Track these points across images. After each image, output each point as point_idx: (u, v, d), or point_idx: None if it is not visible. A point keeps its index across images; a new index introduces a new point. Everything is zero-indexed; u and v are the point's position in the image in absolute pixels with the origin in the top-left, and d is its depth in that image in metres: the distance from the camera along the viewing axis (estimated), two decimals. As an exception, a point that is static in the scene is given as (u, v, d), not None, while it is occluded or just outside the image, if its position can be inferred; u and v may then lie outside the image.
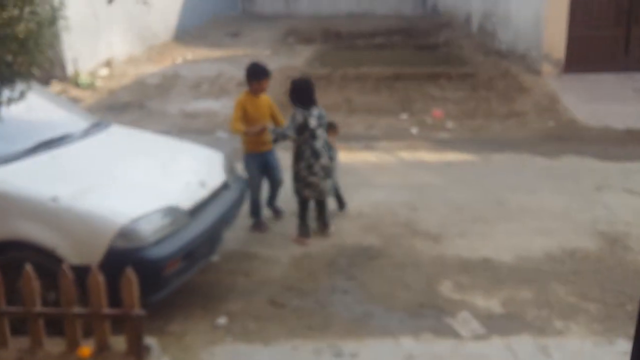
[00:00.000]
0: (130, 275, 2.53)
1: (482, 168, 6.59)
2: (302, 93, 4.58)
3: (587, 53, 9.56)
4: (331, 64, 11.33)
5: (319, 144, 4.49)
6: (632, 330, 3.33)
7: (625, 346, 3.27)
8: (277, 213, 5.11)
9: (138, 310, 2.57)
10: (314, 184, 4.53)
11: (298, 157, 4.52)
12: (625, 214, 5.12)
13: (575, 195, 5.62)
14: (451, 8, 16.34)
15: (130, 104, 9.43)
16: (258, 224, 4.85)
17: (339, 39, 14.88)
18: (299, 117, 4.47)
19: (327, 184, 4.59)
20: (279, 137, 4.57)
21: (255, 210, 4.86)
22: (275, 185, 5.01)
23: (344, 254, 4.46)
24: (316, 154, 4.48)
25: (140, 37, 12.69)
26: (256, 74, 4.74)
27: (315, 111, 4.56)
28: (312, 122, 4.48)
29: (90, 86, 9.99)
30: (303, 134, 4.44)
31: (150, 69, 11.43)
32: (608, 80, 9.33)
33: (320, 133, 4.55)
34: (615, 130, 7.85)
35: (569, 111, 8.48)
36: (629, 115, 8.23)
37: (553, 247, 4.54)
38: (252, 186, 4.74)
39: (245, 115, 4.69)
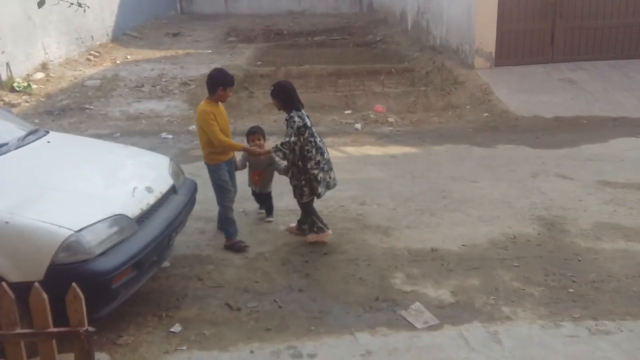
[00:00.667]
0: (77, 291, 2.42)
1: (425, 160, 6.77)
2: (293, 95, 4.46)
3: (516, 46, 9.99)
4: (273, 62, 11.31)
5: (318, 140, 4.46)
6: (576, 313, 3.55)
7: (570, 329, 3.45)
8: None
9: (87, 328, 2.46)
10: (325, 179, 4.50)
11: (305, 158, 4.41)
12: (560, 199, 5.40)
13: (512, 182, 5.87)
14: (386, 5, 16.63)
15: (69, 108, 9.06)
16: (237, 243, 4.52)
17: (280, 38, 14.86)
18: (298, 120, 4.38)
19: (333, 176, 4.58)
20: (288, 150, 4.41)
21: (231, 227, 4.55)
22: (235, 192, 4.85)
23: (297, 252, 4.47)
24: (320, 150, 4.45)
25: (77, 39, 12.21)
26: (223, 81, 4.34)
27: (303, 110, 4.52)
28: (308, 121, 4.45)
29: (26, 91, 9.52)
30: (304, 135, 4.36)
31: (89, 71, 11.02)
32: (536, 72, 9.79)
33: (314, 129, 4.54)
34: (545, 119, 8.26)
35: (502, 102, 8.84)
36: (556, 105, 8.67)
37: (496, 234, 4.73)
38: (226, 199, 4.49)
39: None
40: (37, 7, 4.01)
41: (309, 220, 4.60)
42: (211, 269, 4.23)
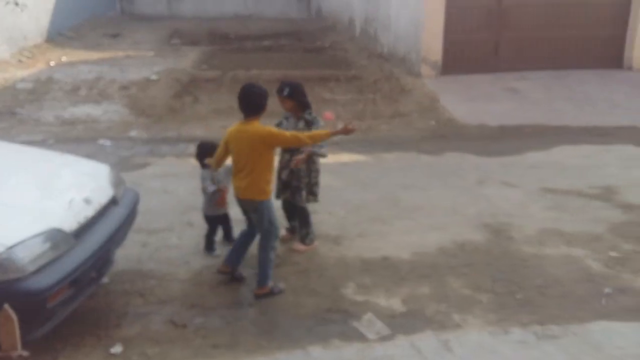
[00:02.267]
0: (9, 313, 2.22)
1: (375, 168, 6.77)
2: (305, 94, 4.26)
3: (462, 56, 10.22)
4: (220, 66, 11.09)
5: None
6: (523, 318, 3.59)
7: (519, 334, 3.49)
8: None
9: (20, 352, 2.27)
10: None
11: (314, 162, 4.34)
12: (507, 206, 5.51)
13: (460, 190, 5.95)
14: (335, 12, 16.71)
15: (-3, 112, 8.54)
16: (277, 288, 3.92)
17: (226, 41, 14.62)
18: (318, 119, 4.30)
19: None
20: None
21: (271, 270, 3.92)
22: None
23: (246, 264, 4.31)
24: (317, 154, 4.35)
25: (9, 39, 11.55)
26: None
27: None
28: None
29: (-51, 94, 8.91)
30: None
31: (21, 73, 10.43)
32: (482, 81, 10.04)
33: None
34: (490, 127, 8.45)
35: (448, 111, 9.00)
36: (501, 113, 8.91)
37: (445, 241, 4.76)
38: (275, 240, 3.93)
39: None
40: None
41: (306, 229, 4.48)
42: (154, 284, 4.03)
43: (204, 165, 4.38)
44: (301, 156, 4.14)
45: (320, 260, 4.40)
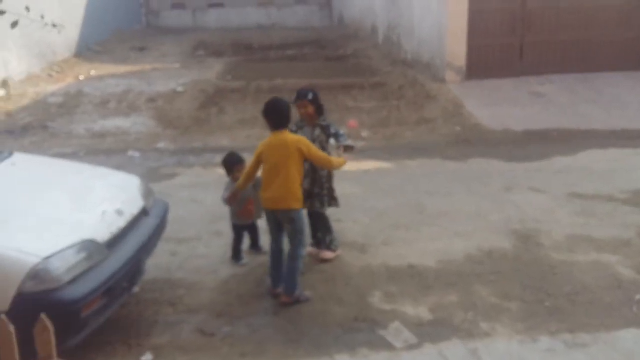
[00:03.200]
0: (45, 322, 2.30)
1: (399, 175, 6.77)
2: None
3: (486, 60, 10.15)
4: (244, 76, 11.24)
5: None
6: (552, 327, 3.55)
7: (548, 343, 3.45)
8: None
9: (56, 360, 2.35)
10: None
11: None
12: (534, 212, 5.45)
13: (486, 196, 5.91)
14: (357, 20, 16.77)
15: (31, 126, 8.81)
16: (304, 296, 3.97)
17: (251, 52, 14.81)
18: (334, 123, 4.42)
19: None
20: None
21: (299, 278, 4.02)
22: None
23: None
24: None
25: (39, 55, 11.92)
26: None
27: None
28: None
29: (-15, 110, 9.24)
30: None
31: (52, 88, 10.76)
32: (506, 85, 9.95)
33: None
34: (515, 132, 8.37)
35: (473, 116, 8.94)
36: (526, 118, 8.82)
37: (472, 248, 4.73)
38: (305, 249, 4.10)
39: None
40: (10, 27, 3.91)
41: (330, 236, 4.52)
42: (183, 293, 4.10)
43: (231, 177, 4.45)
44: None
45: (346, 269, 4.42)
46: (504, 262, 4.49)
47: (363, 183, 6.41)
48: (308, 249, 4.45)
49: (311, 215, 4.53)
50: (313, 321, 3.72)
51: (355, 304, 3.91)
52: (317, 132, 4.34)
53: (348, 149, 4.27)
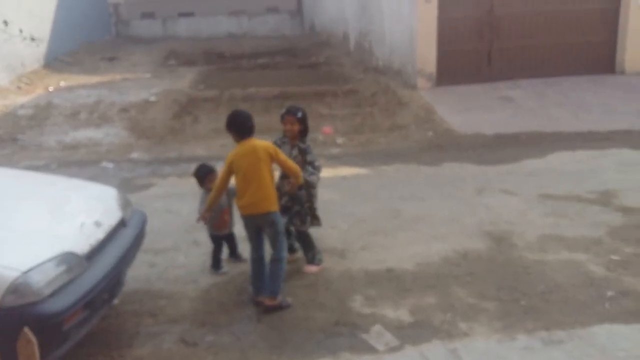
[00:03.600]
0: (29, 335, 2.28)
1: (375, 180, 6.85)
2: None
3: (456, 66, 10.37)
4: (217, 85, 11.22)
5: None
6: (529, 325, 3.66)
7: (525, 341, 3.55)
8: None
9: (39, 374, 2.33)
10: None
11: (313, 187, 4.47)
12: (506, 214, 5.58)
13: (459, 199, 6.03)
14: (329, 27, 16.91)
15: (0, 139, 8.62)
16: (285, 302, 3.99)
17: (222, 60, 14.79)
18: (312, 148, 4.48)
19: None
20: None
21: (282, 283, 4.04)
22: None
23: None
24: None
25: (7, 66, 11.70)
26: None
27: None
28: None
29: (-50, 122, 9.02)
30: None
31: (21, 99, 10.56)
32: (476, 91, 10.17)
33: None
34: (486, 136, 8.55)
35: (445, 121, 9.10)
36: (496, 122, 9.02)
37: (448, 251, 4.83)
38: (286, 250, 4.16)
39: None
40: None
41: (312, 252, 4.54)
42: (164, 303, 4.08)
43: (204, 188, 4.47)
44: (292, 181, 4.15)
45: (326, 274, 4.46)
46: (479, 264, 4.59)
47: (340, 189, 6.47)
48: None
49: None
50: (295, 327, 3.75)
51: (336, 309, 3.96)
52: (295, 152, 4.38)
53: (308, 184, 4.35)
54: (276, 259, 3.99)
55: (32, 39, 3.77)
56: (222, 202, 4.38)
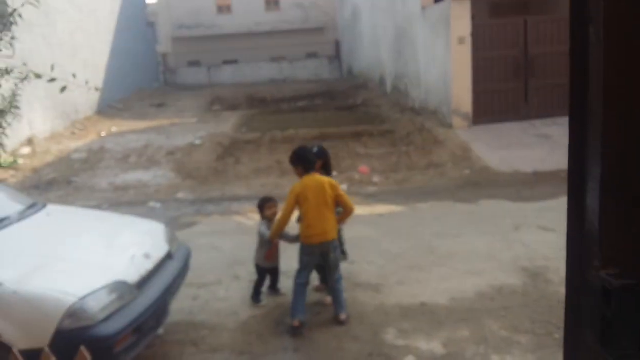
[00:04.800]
0: (84, 353, 2.52)
1: (410, 217, 6.97)
2: None
3: (492, 105, 10.51)
4: (259, 128, 11.68)
5: None
6: (562, 357, 3.65)
7: (556, 371, 3.56)
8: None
9: (94, 390, 2.55)
10: None
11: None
12: (543, 250, 5.59)
13: (496, 236, 6.07)
14: (365, 71, 17.37)
15: (55, 181, 9.22)
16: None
17: (264, 104, 15.39)
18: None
19: None
20: None
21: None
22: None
23: (290, 313, 4.55)
24: None
25: (63, 113, 12.55)
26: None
27: None
28: None
29: (13, 166, 9.71)
30: None
31: (75, 144, 11.27)
32: (513, 129, 10.24)
33: None
34: (524, 174, 8.57)
35: (482, 159, 9.19)
36: (534, 159, 9.03)
37: (483, 286, 4.87)
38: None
39: None
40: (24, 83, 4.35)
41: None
42: (206, 333, 4.29)
43: (262, 218, 4.76)
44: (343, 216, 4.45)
45: (361, 308, 4.58)
46: (513, 298, 4.61)
47: (376, 226, 6.62)
48: (315, 284, 4.75)
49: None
50: (330, 358, 3.87)
51: (370, 341, 4.06)
52: None
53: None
54: (339, 279, 4.38)
55: (97, 89, 4.22)
56: (285, 235, 4.61)
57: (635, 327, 1.01)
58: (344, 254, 4.78)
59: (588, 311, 1.07)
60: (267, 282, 4.90)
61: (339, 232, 4.69)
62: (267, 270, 4.80)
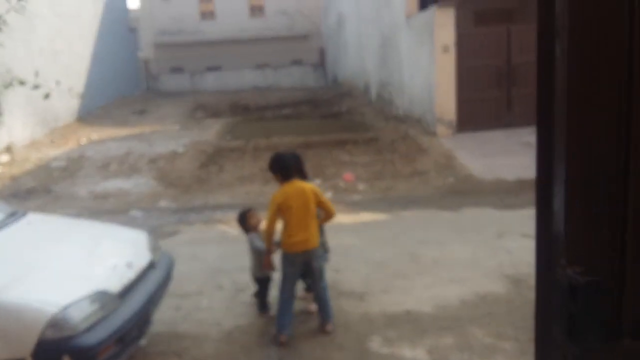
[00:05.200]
0: (67, 363, 2.48)
1: (395, 225, 6.98)
2: None
3: (475, 113, 10.62)
4: (242, 136, 11.65)
5: None
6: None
7: (540, 377, 3.57)
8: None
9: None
10: None
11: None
12: (526, 257, 5.62)
13: (479, 243, 6.11)
14: (350, 79, 17.45)
15: (35, 190, 9.08)
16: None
17: (248, 112, 15.36)
18: None
19: None
20: None
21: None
22: None
23: (273, 322, 4.51)
24: None
25: (42, 120, 12.38)
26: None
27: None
28: None
29: (-10, 174, 9.56)
30: None
31: (54, 152, 11.11)
32: (496, 137, 10.35)
33: None
34: (507, 181, 8.66)
35: (465, 167, 9.26)
36: (517, 167, 9.12)
37: (467, 293, 4.89)
38: None
39: None
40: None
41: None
42: (188, 344, 4.23)
43: (247, 230, 4.68)
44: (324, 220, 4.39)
45: (346, 316, 4.56)
46: (497, 305, 4.64)
47: (360, 234, 6.63)
48: (300, 293, 4.65)
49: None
50: (315, 366, 3.84)
51: (355, 349, 4.04)
52: None
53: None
54: (325, 287, 4.32)
55: (79, 96, 4.14)
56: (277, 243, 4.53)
57: (599, 322, 1.08)
58: (323, 245, 4.71)
59: (556, 308, 1.14)
60: (252, 290, 4.86)
61: (320, 227, 4.64)
62: (266, 279, 4.73)
